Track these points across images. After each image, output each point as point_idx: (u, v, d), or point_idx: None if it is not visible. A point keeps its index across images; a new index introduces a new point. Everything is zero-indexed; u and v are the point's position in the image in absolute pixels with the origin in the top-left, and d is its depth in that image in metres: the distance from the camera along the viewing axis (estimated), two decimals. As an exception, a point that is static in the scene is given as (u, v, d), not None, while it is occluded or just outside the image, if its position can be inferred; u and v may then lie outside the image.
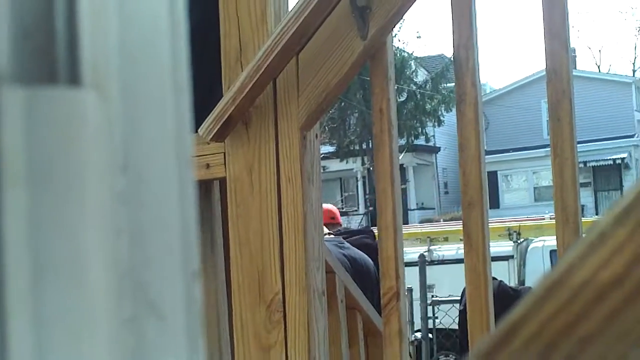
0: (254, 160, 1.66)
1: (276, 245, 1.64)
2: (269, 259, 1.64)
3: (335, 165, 27.73)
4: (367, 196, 26.90)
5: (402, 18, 1.68)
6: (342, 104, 26.36)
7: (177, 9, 0.32)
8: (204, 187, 1.79)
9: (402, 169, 29.79)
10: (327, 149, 27.40)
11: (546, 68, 1.51)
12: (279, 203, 1.64)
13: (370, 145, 26.21)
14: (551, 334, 0.34)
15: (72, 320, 0.28)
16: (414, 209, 29.17)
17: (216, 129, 1.63)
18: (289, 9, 1.63)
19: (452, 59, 1.59)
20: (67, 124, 0.27)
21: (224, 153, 1.70)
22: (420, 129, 28.00)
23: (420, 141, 28.67)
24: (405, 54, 27.91)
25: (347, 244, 4.32)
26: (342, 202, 28.10)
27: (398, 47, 27.66)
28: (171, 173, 0.33)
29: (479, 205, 1.53)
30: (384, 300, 1.58)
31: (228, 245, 1.71)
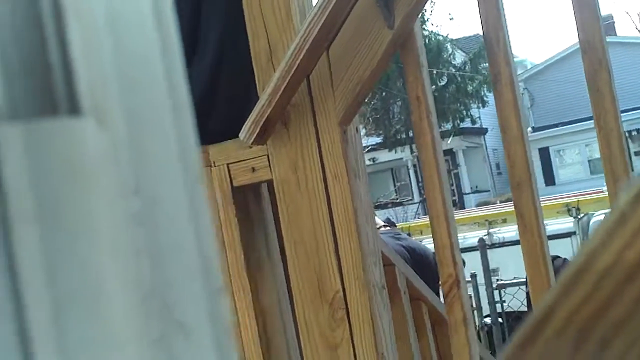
0: (297, 160, 1.66)
1: (330, 243, 1.63)
2: (325, 257, 1.64)
3: (384, 155, 27.67)
4: (420, 184, 26.78)
5: (426, 3, 1.67)
6: (384, 93, 26.29)
7: (168, 30, 0.31)
8: (252, 190, 1.79)
9: (452, 153, 29.63)
10: (374, 140, 27.36)
11: (579, 40, 1.48)
12: (327, 200, 1.64)
13: (417, 133, 26.02)
14: (583, 320, 0.34)
15: (97, 346, 0.28)
16: (469, 193, 28.98)
17: (256, 132, 1.63)
18: (313, 4, 1.63)
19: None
20: (70, 153, 0.28)
21: (267, 155, 1.70)
22: (464, 111, 27.79)
23: (467, 124, 28.45)
24: (441, 37, 27.73)
25: (404, 235, 4.31)
26: (395, 192, 28.02)
27: (432, 31, 27.50)
28: (181, 191, 0.33)
29: (528, 184, 1.51)
30: (445, 289, 1.56)
31: (283, 247, 1.72)
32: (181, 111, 0.32)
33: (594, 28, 1.48)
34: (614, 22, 33.80)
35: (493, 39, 1.55)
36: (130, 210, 0.29)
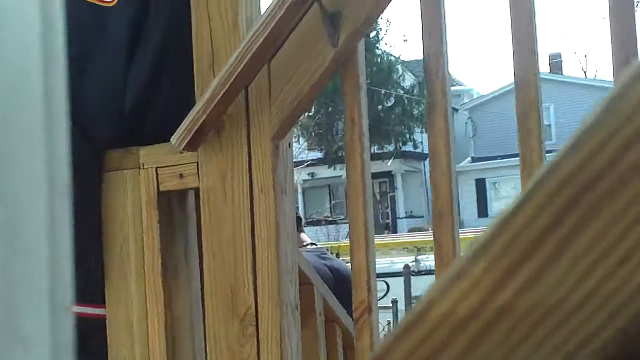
0: (227, 170, 1.64)
1: (249, 257, 1.62)
2: (242, 271, 1.62)
3: (323, 171, 27.76)
4: (355, 203, 26.82)
5: (373, 24, 1.67)
6: (330, 109, 26.38)
7: (53, 40, 0.30)
8: (178, 196, 1.77)
9: (390, 176, 29.85)
10: (315, 155, 27.42)
11: (514, 75, 1.49)
12: (251, 214, 1.62)
13: (359, 152, 26.18)
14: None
15: None
16: (403, 217, 29.20)
17: (188, 138, 1.61)
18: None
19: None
20: None
21: (197, 162, 1.68)
22: (408, 134, 28.04)
23: (409, 147, 28.71)
24: (392, 58, 27.97)
25: (329, 255, 4.31)
26: (330, 209, 28.11)
27: (385, 51, 27.73)
28: (44, 202, 0.31)
29: (449, 216, 1.52)
30: (356, 315, 1.55)
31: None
32: (55, 124, 0.31)
33: (529, 66, 1.49)
34: (561, 61, 34.48)
35: (432, 69, 1.55)
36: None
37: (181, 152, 1.68)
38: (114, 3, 1.74)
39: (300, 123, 27.23)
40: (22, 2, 0.29)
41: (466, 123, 31.77)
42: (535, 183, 0.31)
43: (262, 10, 1.61)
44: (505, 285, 0.31)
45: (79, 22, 1.75)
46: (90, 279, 1.71)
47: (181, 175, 1.70)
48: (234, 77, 1.55)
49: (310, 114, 27.43)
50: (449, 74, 1.59)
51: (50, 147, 0.31)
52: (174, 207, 1.75)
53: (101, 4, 1.75)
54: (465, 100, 34.07)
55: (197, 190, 1.71)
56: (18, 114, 0.29)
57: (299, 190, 29.12)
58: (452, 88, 34.46)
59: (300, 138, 27.48)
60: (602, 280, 0.31)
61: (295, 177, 27.52)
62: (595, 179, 0.29)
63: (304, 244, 4.15)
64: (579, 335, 0.31)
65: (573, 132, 0.31)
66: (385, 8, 1.59)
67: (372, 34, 27.21)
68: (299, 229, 4.26)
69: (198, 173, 1.67)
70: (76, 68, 1.72)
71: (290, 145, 1.70)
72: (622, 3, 1.48)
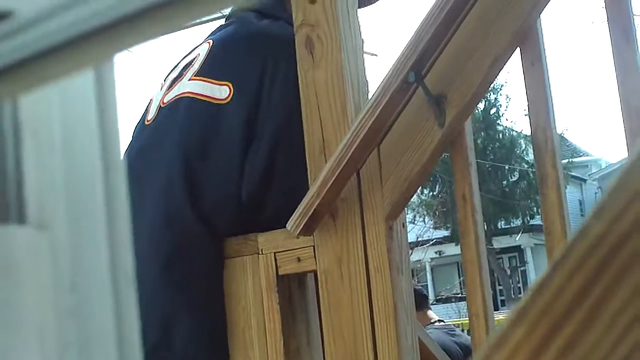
0: (342, 252, 1.68)
1: (369, 336, 1.64)
2: (363, 350, 1.64)
3: (451, 249, 27.44)
4: (485, 279, 26.34)
5: (478, 103, 1.70)
6: (453, 187, 26.19)
7: (113, 149, 0.35)
8: (297, 279, 1.81)
9: (520, 250, 29.23)
10: (441, 233, 27.19)
11: (627, 146, 1.49)
12: (369, 294, 1.65)
13: (487, 227, 25.91)
14: None
15: None
16: (535, 291, 28.39)
17: (303, 223, 1.66)
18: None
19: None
20: (11, 255, 0.30)
21: (314, 246, 1.73)
22: (535, 208, 27.50)
23: (537, 220, 28.11)
24: (515, 133, 27.72)
25: (458, 331, 4.26)
26: (460, 285, 27.65)
27: (506, 127, 27.51)
28: (109, 291, 0.35)
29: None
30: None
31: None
32: (117, 222, 0.35)
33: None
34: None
35: (541, 141, 1.56)
36: (64, 305, 0.32)
37: (297, 237, 1.73)
38: (227, 100, 1.83)
39: (424, 202, 27.13)
40: (85, 113, 0.34)
41: (596, 193, 30.92)
42: (567, 248, 0.33)
43: (369, 97, 1.67)
44: (545, 351, 0.33)
45: (196, 119, 1.85)
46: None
47: (299, 259, 1.75)
48: (345, 161, 1.61)
49: (434, 192, 27.33)
50: (559, 145, 1.59)
51: (113, 244, 0.35)
52: (293, 290, 1.80)
53: (216, 101, 1.85)
54: (594, 170, 33.23)
55: (315, 273, 1.75)
56: (86, 218, 0.34)
57: (427, 268, 28.85)
58: (579, 159, 33.82)
59: (426, 217, 27.37)
60: (638, 342, 0.32)
61: (423, 256, 27.37)
62: (622, 240, 0.31)
63: (432, 321, 4.12)
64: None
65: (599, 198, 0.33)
66: (489, 86, 1.62)
67: (493, 111, 27.14)
68: (426, 307, 4.24)
69: (315, 256, 1.72)
70: (196, 163, 1.82)
71: (404, 225, 1.73)
72: None
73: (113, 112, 0.34)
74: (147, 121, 1.99)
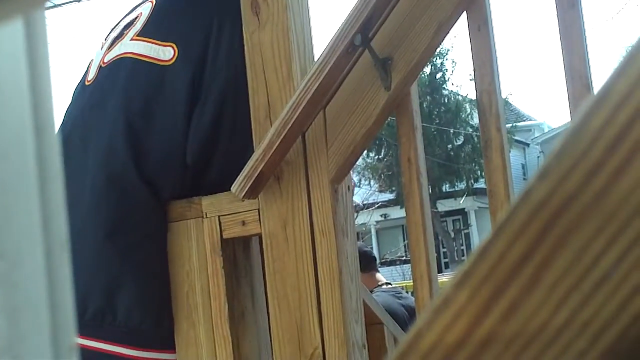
0: (287, 215, 1.68)
1: (313, 299, 1.64)
2: (307, 313, 1.65)
3: (396, 212, 27.66)
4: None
5: (424, 67, 1.69)
6: (398, 150, 26.33)
7: (44, 108, 0.34)
8: (242, 243, 1.81)
9: (464, 212, 29.58)
10: (386, 196, 27.37)
11: (570, 111, 1.50)
12: (314, 257, 1.65)
13: (432, 190, 26.15)
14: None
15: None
16: (478, 253, 28.79)
17: (248, 186, 1.65)
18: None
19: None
20: None
21: (258, 209, 1.72)
22: (479, 172, 27.82)
23: (481, 184, 28.46)
24: (460, 97, 27.92)
25: (405, 294, 4.29)
26: (404, 248, 27.95)
27: (452, 91, 27.70)
28: (41, 256, 0.34)
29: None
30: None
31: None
32: (49, 184, 0.34)
33: (585, 98, 1.50)
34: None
35: (486, 105, 1.56)
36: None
37: (242, 200, 1.72)
38: (172, 62, 1.81)
39: (370, 166, 27.24)
40: (14, 70, 0.32)
41: (538, 157, 31.39)
42: (511, 210, 0.33)
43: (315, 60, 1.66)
44: (487, 314, 0.33)
45: (139, 81, 1.82)
46: (161, 326, 1.76)
47: (243, 223, 1.74)
48: (291, 124, 1.59)
49: (380, 156, 27.46)
50: (503, 109, 1.60)
51: (45, 207, 0.34)
52: (238, 254, 1.79)
53: (159, 63, 1.82)
54: (537, 135, 33.69)
55: (260, 237, 1.75)
56: (14, 179, 0.32)
57: (372, 231, 29.07)
58: (522, 123, 34.23)
59: (371, 180, 27.51)
60: (580, 305, 0.32)
61: (368, 219, 27.53)
62: (567, 202, 0.31)
63: (380, 283, 4.15)
64: (565, 360, 0.33)
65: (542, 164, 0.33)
66: (434, 51, 1.61)
67: (439, 75, 27.28)
68: (374, 269, 4.27)
69: (260, 220, 1.71)
70: (139, 125, 1.79)
71: (349, 188, 1.73)
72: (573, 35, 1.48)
73: (45, 68, 0.33)
74: (88, 81, 1.96)
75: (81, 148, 1.84)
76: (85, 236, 1.74)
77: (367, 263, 3.96)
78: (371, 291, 3.85)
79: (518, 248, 0.32)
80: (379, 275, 4.27)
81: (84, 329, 1.73)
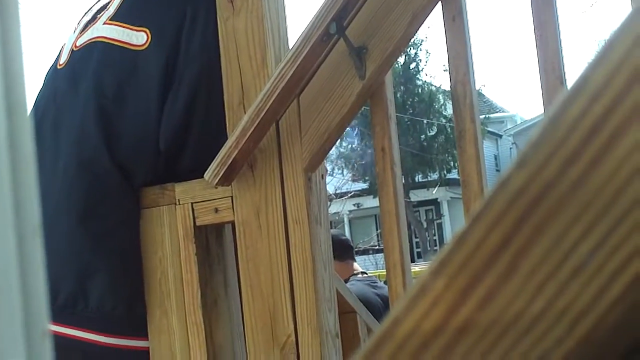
0: (260, 203, 1.67)
1: (286, 287, 1.64)
2: (280, 301, 1.65)
3: (369, 202, 27.72)
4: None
5: (399, 56, 1.69)
6: (373, 140, 26.36)
7: (15, 88, 0.33)
8: (215, 230, 1.80)
9: (437, 203, 29.72)
10: (359, 186, 27.42)
11: (543, 103, 1.51)
12: (287, 245, 1.65)
13: (404, 180, 26.22)
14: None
15: None
16: (450, 243, 28.95)
17: (221, 173, 1.64)
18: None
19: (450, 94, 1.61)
20: None
21: (232, 197, 1.71)
22: (452, 162, 27.93)
23: (454, 175, 28.58)
24: (433, 88, 27.99)
25: (380, 283, 4.30)
26: (377, 237, 28.03)
27: (425, 82, 27.77)
28: (12, 240, 0.34)
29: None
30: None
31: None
32: (21, 166, 0.33)
33: (559, 92, 1.50)
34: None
35: (460, 95, 1.57)
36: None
37: (215, 187, 1.71)
38: (145, 47, 1.79)
39: (343, 154, 27.26)
40: None
41: (510, 148, 31.58)
42: (488, 198, 0.33)
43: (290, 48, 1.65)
44: (464, 302, 0.33)
45: (112, 65, 1.81)
46: (133, 313, 1.75)
47: (216, 210, 1.74)
48: (264, 111, 1.59)
49: (353, 145, 27.48)
50: (477, 100, 1.61)
51: (17, 190, 0.34)
52: (210, 241, 1.78)
53: (132, 48, 1.80)
54: (509, 126, 33.87)
55: (233, 224, 1.74)
56: None
57: (345, 220, 29.11)
58: (495, 115, 34.40)
59: (345, 170, 27.54)
60: (557, 293, 0.32)
61: (341, 208, 27.57)
62: (541, 194, 0.31)
63: (355, 272, 4.16)
64: (541, 348, 0.33)
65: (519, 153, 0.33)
66: (409, 40, 1.61)
67: (412, 65, 27.34)
68: (351, 258, 4.27)
69: (233, 207, 1.71)
70: (112, 109, 1.78)
71: (323, 176, 1.73)
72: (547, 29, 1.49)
73: (17, 50, 0.32)
74: (60, 65, 1.94)
75: (53, 132, 1.83)
76: (57, 221, 1.73)
77: (344, 251, 3.96)
78: (347, 280, 3.85)
79: (495, 236, 0.32)
80: (355, 265, 4.28)
81: (56, 316, 1.72)
